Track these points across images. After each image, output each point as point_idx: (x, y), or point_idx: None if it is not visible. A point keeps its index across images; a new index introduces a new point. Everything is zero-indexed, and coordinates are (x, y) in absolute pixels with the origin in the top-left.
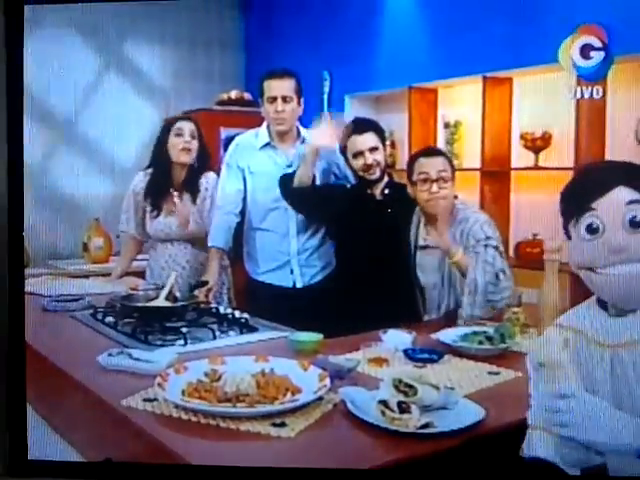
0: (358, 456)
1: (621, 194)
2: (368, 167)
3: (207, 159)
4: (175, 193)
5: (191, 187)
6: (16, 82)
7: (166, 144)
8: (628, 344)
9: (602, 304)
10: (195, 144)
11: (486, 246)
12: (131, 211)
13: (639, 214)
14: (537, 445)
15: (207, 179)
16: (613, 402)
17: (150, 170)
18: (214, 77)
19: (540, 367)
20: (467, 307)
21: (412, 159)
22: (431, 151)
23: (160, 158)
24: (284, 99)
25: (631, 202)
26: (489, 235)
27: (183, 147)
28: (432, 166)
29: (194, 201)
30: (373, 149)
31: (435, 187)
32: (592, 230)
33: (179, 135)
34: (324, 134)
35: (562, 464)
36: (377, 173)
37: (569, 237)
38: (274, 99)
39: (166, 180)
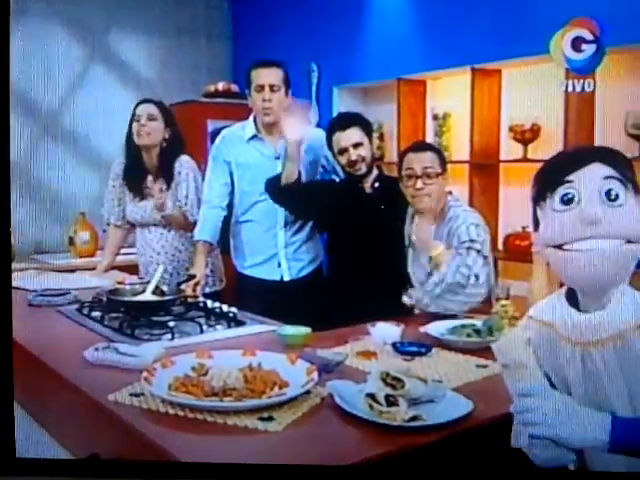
0: (346, 449)
1: (598, 168)
2: (353, 163)
3: (178, 140)
4: (149, 177)
5: (165, 172)
6: (1, 74)
7: (132, 130)
8: (598, 342)
9: (571, 299)
10: (154, 125)
11: (469, 249)
12: (111, 197)
13: (615, 188)
14: (518, 437)
15: (180, 162)
16: (587, 401)
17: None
18: (201, 69)
19: (504, 368)
20: (423, 293)
21: (402, 154)
22: (419, 146)
23: (129, 144)
24: (271, 88)
25: (607, 177)
26: (473, 238)
27: (139, 130)
28: (418, 162)
29: (168, 185)
30: (357, 145)
31: (419, 183)
32: (567, 200)
33: (137, 120)
34: (292, 125)
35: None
36: (363, 168)
37: (536, 225)
38: (262, 88)
39: (139, 165)
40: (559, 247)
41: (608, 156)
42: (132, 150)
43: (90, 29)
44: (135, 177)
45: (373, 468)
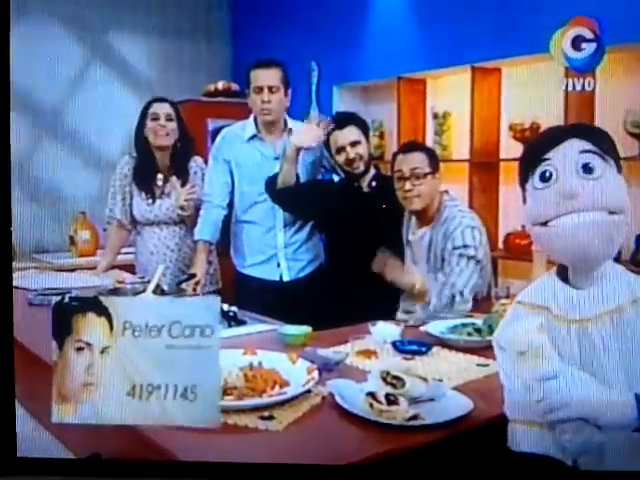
0: (346, 448)
1: (574, 144)
2: (351, 161)
3: (189, 141)
4: (159, 176)
5: (180, 171)
6: (2, 74)
7: (144, 128)
8: (594, 318)
9: (562, 275)
10: (172, 125)
11: (460, 255)
12: (117, 196)
13: (592, 161)
14: (521, 440)
15: (196, 163)
16: None
17: (135, 154)
18: (201, 68)
19: (520, 356)
20: (423, 312)
21: (393, 156)
22: (408, 147)
23: (141, 143)
24: (270, 89)
25: (584, 151)
26: (467, 243)
27: (159, 131)
28: (406, 163)
29: (183, 185)
30: (355, 143)
31: (408, 185)
32: (546, 178)
33: (155, 119)
34: (307, 134)
35: (563, 456)
36: (361, 167)
37: (525, 202)
38: (260, 89)
39: (152, 164)
40: (544, 224)
41: (585, 131)
42: (144, 149)
43: (90, 29)
44: (146, 176)
45: (373, 467)
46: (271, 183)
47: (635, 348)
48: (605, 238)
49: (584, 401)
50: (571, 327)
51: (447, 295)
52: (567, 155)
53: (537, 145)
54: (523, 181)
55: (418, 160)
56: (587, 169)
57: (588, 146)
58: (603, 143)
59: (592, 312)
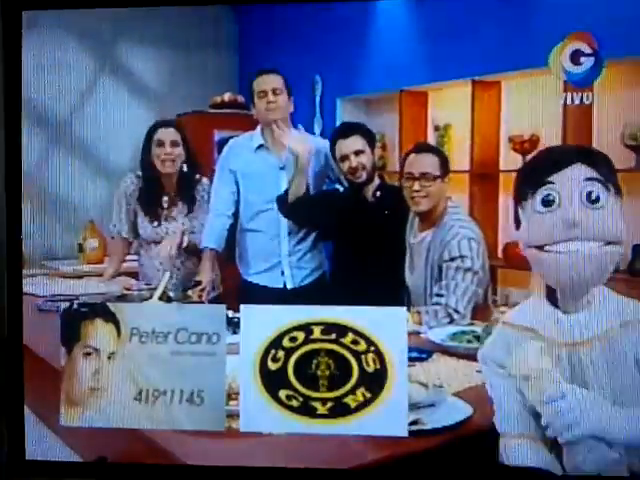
0: (348, 453)
1: (579, 170)
2: (354, 170)
3: (195, 163)
4: (165, 198)
5: (187, 196)
6: (14, 85)
7: (150, 153)
8: (585, 342)
9: (552, 299)
10: (178, 151)
11: (457, 268)
12: (122, 214)
13: (595, 190)
14: (512, 454)
15: (202, 187)
16: None
17: (140, 174)
18: (208, 80)
19: (524, 381)
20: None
21: (405, 155)
22: (420, 147)
23: (147, 168)
24: (274, 91)
25: (589, 179)
26: (464, 254)
27: (165, 158)
28: (417, 163)
29: (190, 210)
30: (358, 152)
31: (417, 185)
32: (548, 202)
33: (160, 146)
34: (298, 139)
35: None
36: (363, 176)
37: (518, 224)
38: (265, 93)
39: (158, 188)
40: (540, 248)
41: (590, 157)
42: (150, 173)
43: (100, 41)
44: (152, 200)
45: (375, 472)
46: (283, 199)
47: (624, 371)
48: (599, 268)
49: (594, 419)
50: (562, 351)
51: (444, 316)
52: (572, 182)
53: (540, 166)
54: (520, 199)
55: (429, 162)
56: (591, 198)
57: (593, 173)
58: (605, 169)
59: (582, 336)
